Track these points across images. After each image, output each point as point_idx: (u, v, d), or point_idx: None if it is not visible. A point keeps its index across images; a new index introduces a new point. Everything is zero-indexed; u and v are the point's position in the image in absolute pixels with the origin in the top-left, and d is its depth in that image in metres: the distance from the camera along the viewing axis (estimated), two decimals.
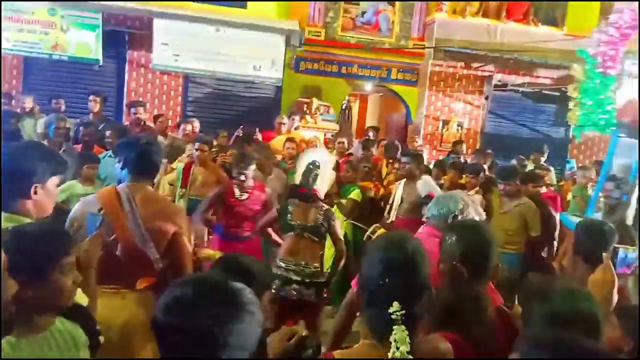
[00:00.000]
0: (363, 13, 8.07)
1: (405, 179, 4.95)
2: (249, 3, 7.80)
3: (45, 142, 5.22)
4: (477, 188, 5.34)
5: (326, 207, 3.56)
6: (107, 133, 5.15)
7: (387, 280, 1.29)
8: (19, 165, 1.76)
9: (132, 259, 2.22)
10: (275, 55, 7.44)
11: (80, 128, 5.53)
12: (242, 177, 3.85)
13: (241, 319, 1.01)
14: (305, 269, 3.37)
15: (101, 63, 7.39)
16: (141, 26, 7.58)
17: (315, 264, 3.40)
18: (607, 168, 3.48)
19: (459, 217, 2.24)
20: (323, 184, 3.67)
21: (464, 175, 5.34)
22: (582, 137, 5.85)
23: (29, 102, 6.46)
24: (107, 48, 7.37)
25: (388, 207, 5.03)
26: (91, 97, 6.13)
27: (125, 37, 7.72)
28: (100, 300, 1.93)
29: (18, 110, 6.13)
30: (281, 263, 3.43)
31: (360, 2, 8.00)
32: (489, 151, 6.71)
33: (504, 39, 8.01)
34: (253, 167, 3.94)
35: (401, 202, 4.92)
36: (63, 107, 6.48)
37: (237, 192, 3.90)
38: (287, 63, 7.81)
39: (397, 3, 8.07)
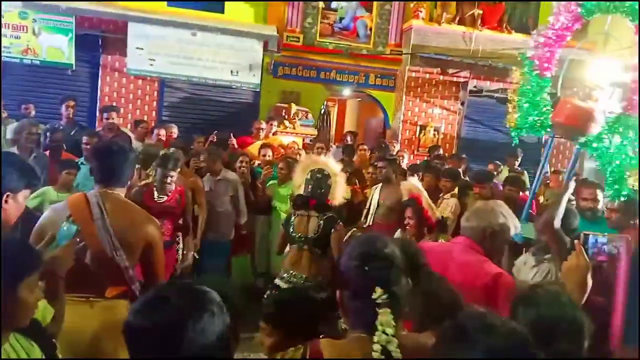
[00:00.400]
0: (341, 19, 8.12)
1: (381, 184, 4.98)
2: (226, 7, 7.76)
3: (15, 148, 5.09)
4: (454, 192, 5.42)
5: (328, 215, 3.43)
6: (84, 139, 5.04)
7: (365, 269, 1.34)
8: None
9: (102, 266, 2.19)
10: (253, 60, 7.40)
11: (47, 134, 5.39)
12: (168, 180, 3.79)
13: (202, 317, 1.08)
14: (305, 281, 3.27)
15: (74, 67, 7.23)
16: (115, 30, 7.44)
17: (317, 277, 3.27)
18: (571, 171, 3.51)
19: (497, 230, 2.25)
20: (340, 194, 3.60)
21: (441, 179, 5.42)
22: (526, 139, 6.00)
23: None
24: (80, 52, 7.21)
25: (365, 211, 5.06)
26: (67, 103, 6.01)
27: (99, 41, 7.58)
28: (69, 308, 1.88)
29: None
30: (283, 274, 3.38)
31: (339, 9, 8.05)
32: (464, 156, 6.81)
33: (479, 46, 8.16)
34: (178, 169, 3.93)
35: (378, 206, 4.96)
36: (33, 113, 6.31)
37: (155, 194, 3.86)
38: (265, 68, 7.79)
39: (374, 10, 8.15)
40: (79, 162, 4.77)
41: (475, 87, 8.37)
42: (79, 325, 2.11)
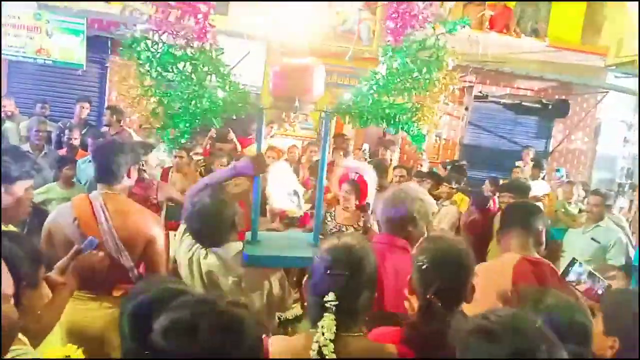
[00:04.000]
0: (344, 22, 8.11)
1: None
2: (229, 10, 7.86)
3: (27, 145, 5.36)
4: (452, 199, 5.38)
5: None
6: (89, 140, 5.28)
7: (329, 271, 1.41)
8: None
9: (107, 267, 2.26)
10: (256, 62, 7.49)
11: (66, 131, 5.64)
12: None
13: (239, 347, 1.02)
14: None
15: (85, 68, 7.50)
16: (124, 31, 7.67)
17: None
18: None
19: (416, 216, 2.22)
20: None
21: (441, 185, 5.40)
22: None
23: (9, 106, 6.60)
24: (90, 53, 7.45)
25: None
26: (82, 104, 6.31)
27: (108, 42, 7.82)
28: (76, 304, 1.99)
29: (2, 114, 6.26)
30: None
31: (342, 12, 8.03)
32: (463, 162, 6.72)
33: (486, 50, 8.01)
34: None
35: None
36: (48, 112, 6.62)
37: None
38: (267, 71, 7.86)
39: (378, 12, 8.09)
40: (87, 161, 4.99)
41: (480, 92, 8.22)
42: (88, 320, 2.26)
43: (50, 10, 7.21)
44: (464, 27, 2.20)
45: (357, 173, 3.94)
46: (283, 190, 4.57)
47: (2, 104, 6.55)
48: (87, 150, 5.33)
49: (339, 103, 2.28)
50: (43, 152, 5.28)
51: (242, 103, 2.22)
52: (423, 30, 2.23)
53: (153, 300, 1.35)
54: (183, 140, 2.25)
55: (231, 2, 7.78)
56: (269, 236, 2.42)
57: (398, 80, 2.20)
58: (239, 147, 6.30)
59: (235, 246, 2.14)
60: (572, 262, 2.47)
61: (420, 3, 2.29)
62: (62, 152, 5.71)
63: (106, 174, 2.43)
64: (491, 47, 7.91)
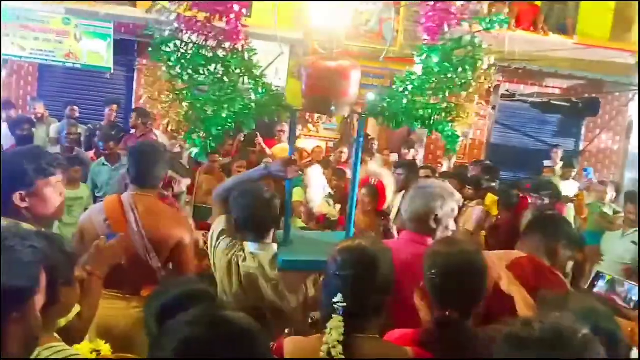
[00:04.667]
0: (367, 22, 8.07)
1: (404, 191, 4.97)
2: (253, 11, 7.90)
3: (57, 148, 5.46)
4: (479, 199, 5.28)
5: None
6: (100, 144, 5.33)
7: (339, 273, 1.43)
8: (5, 174, 1.78)
9: (136, 267, 2.34)
10: (279, 64, 7.51)
11: (97, 133, 5.69)
12: None
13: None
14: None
15: (112, 71, 7.62)
16: (150, 35, 7.75)
17: None
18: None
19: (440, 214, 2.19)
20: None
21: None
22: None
23: (39, 108, 6.75)
24: (117, 56, 7.58)
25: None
26: (111, 107, 6.42)
27: (135, 45, 7.94)
28: (105, 304, 2.02)
29: (32, 117, 6.39)
30: None
31: (365, 11, 7.99)
32: (488, 162, 6.60)
33: (513, 48, 7.86)
34: None
35: (398, 212, 4.95)
36: (77, 114, 6.76)
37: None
38: (291, 71, 7.87)
39: (401, 12, 8.03)
40: (101, 163, 5.05)
41: (507, 90, 8.09)
42: (116, 319, 2.29)
43: (78, 14, 7.35)
44: (501, 25, 2.14)
45: (376, 178, 3.93)
46: (322, 193, 4.54)
47: (31, 107, 6.72)
48: (99, 153, 5.40)
49: (373, 105, 2.23)
50: (73, 154, 5.37)
51: (275, 105, 2.18)
52: (459, 28, 2.18)
53: (176, 301, 1.37)
54: (214, 145, 2.22)
55: (255, 3, 7.84)
56: (301, 237, 2.41)
57: (433, 80, 2.15)
58: (268, 150, 6.31)
59: (272, 249, 2.15)
60: (597, 275, 2.39)
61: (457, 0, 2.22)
62: (91, 154, 5.82)
63: (142, 177, 2.45)
64: (518, 45, 7.76)
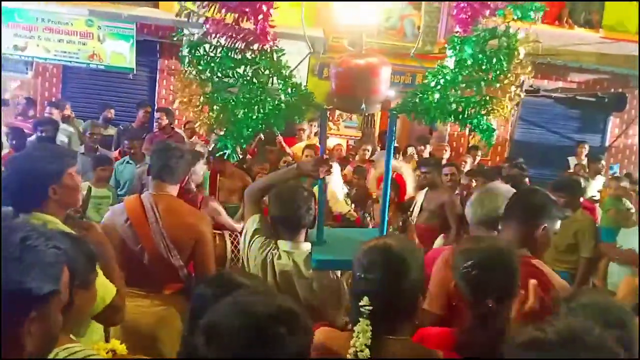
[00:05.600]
0: (388, 18, 8.01)
1: (427, 188, 4.94)
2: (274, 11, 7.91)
3: (82, 147, 5.54)
4: None
5: None
6: (125, 143, 5.37)
7: (363, 275, 1.40)
8: (32, 171, 1.85)
9: (158, 266, 2.37)
10: (298, 62, 7.50)
11: (125, 141, 5.68)
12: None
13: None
14: None
15: (135, 72, 7.71)
16: (174, 38, 7.82)
17: None
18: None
19: None
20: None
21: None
22: None
23: (66, 109, 6.85)
24: (139, 57, 7.66)
25: (408, 214, 5.06)
26: (145, 108, 6.51)
27: (157, 46, 8.02)
28: (129, 301, 2.04)
29: (56, 118, 6.48)
30: None
31: (385, 8, 7.94)
32: (520, 160, 6.50)
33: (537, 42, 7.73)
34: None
35: (421, 209, 4.93)
36: (112, 117, 6.88)
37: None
38: (311, 70, 7.87)
39: (422, 8, 7.96)
40: (125, 161, 5.10)
41: (531, 86, 7.95)
42: (139, 317, 2.31)
43: (101, 16, 7.44)
44: (537, 14, 2.07)
45: (395, 172, 3.92)
46: (341, 192, 4.57)
47: (60, 108, 6.81)
48: (124, 152, 5.45)
49: (405, 101, 2.18)
50: (97, 153, 5.42)
51: (305, 105, 2.16)
52: (493, 19, 2.13)
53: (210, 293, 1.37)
54: (245, 146, 2.23)
55: (274, 2, 7.85)
56: (334, 236, 2.38)
57: (466, 72, 2.09)
58: (288, 149, 6.31)
59: (306, 247, 2.15)
60: None
61: None
62: (115, 153, 5.88)
63: (164, 175, 2.47)
64: (542, 40, 7.61)
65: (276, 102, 2.09)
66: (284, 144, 6.48)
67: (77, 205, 1.98)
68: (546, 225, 2.00)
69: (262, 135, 6.46)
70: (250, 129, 2.11)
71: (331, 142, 7.37)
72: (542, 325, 1.03)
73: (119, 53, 7.63)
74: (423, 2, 7.77)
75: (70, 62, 7.61)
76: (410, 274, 1.40)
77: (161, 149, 2.55)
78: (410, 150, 6.72)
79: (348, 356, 1.34)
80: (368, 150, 6.35)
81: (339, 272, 2.21)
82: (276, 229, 2.19)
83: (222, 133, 2.15)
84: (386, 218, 2.26)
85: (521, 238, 1.98)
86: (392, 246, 1.43)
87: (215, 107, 2.10)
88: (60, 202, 1.87)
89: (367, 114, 9.13)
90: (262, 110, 2.09)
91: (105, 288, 1.71)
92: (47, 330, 0.99)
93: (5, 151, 5.03)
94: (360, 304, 1.36)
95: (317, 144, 6.68)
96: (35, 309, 0.95)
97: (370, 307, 1.35)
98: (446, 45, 2.12)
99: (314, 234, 2.25)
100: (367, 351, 1.33)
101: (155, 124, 6.39)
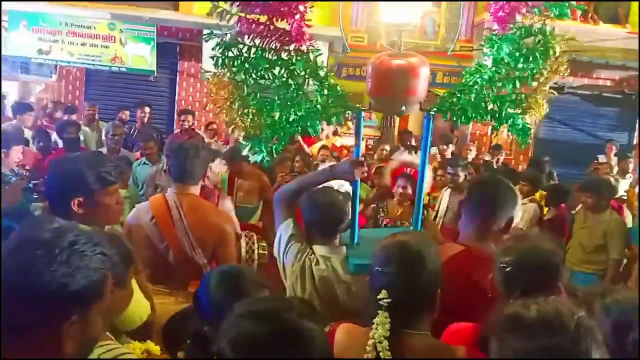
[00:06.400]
0: None
1: (451, 190, 4.87)
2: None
3: (104, 149, 5.59)
4: (534, 196, 5.13)
5: None
6: (150, 143, 5.39)
7: (381, 269, 1.42)
8: (63, 179, 1.79)
9: (183, 264, 2.37)
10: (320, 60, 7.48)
11: (140, 143, 5.71)
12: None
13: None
14: None
15: (156, 74, 7.79)
16: (191, 38, 7.90)
17: None
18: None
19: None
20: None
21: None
22: None
23: (92, 110, 6.92)
24: (160, 59, 7.75)
25: (434, 213, 4.98)
26: (142, 108, 6.50)
27: (177, 48, 8.09)
28: (154, 299, 2.05)
29: (80, 121, 6.57)
30: None
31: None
32: (546, 159, 6.38)
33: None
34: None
35: (447, 209, 4.86)
36: (127, 118, 6.90)
37: None
38: (330, 69, 7.83)
39: (443, 5, 7.88)
40: (142, 162, 5.13)
41: (556, 83, 7.77)
42: (164, 314, 2.29)
43: (123, 19, 7.54)
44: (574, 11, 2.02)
45: (412, 168, 3.87)
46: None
47: (86, 109, 6.89)
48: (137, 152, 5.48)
49: (442, 100, 2.13)
50: (119, 155, 5.46)
51: (341, 106, 2.11)
52: (529, 16, 2.07)
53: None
54: (280, 150, 2.16)
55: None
56: (367, 237, 2.33)
57: (504, 71, 2.06)
58: (306, 148, 6.29)
59: (341, 251, 2.12)
60: None
61: None
62: (137, 154, 5.91)
63: (183, 175, 2.47)
64: (567, 36, 7.47)
65: (312, 104, 2.05)
66: (302, 144, 6.46)
67: (110, 224, 1.94)
68: (504, 218, 1.93)
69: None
70: (284, 132, 2.07)
71: (348, 141, 7.32)
72: (530, 302, 1.06)
73: (140, 56, 7.72)
74: (443, 2, 7.70)
75: (93, 65, 7.73)
76: (426, 268, 1.42)
77: (176, 150, 2.56)
78: (433, 150, 6.62)
79: (367, 348, 1.35)
80: (386, 150, 6.28)
81: None
82: (310, 233, 2.15)
83: (252, 137, 2.10)
84: (421, 214, 2.21)
85: (480, 230, 1.93)
86: (408, 241, 1.46)
87: (251, 109, 2.06)
88: (89, 218, 1.76)
89: (386, 114, 9.07)
90: (298, 112, 2.04)
91: (141, 306, 1.72)
92: (86, 334, 0.99)
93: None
94: (379, 296, 1.38)
95: (334, 144, 6.66)
96: (77, 312, 0.95)
97: (389, 300, 1.36)
98: (482, 44, 2.08)
99: (347, 236, 2.21)
100: (385, 342, 1.34)
101: (179, 125, 6.42)
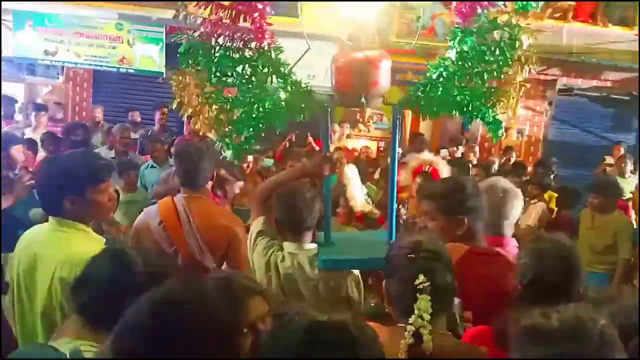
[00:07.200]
0: (418, 18, 7.93)
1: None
2: (301, 11, 7.87)
3: (112, 152, 5.54)
4: (543, 197, 5.19)
5: None
6: (148, 145, 5.35)
7: (412, 256, 1.43)
8: (55, 177, 1.83)
9: (192, 268, 2.34)
10: (329, 63, 7.45)
11: (148, 144, 5.69)
12: None
13: None
14: None
15: (164, 75, 7.69)
16: (200, 38, 7.82)
17: None
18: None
19: None
20: None
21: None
22: None
23: (99, 113, 6.86)
24: (168, 60, 7.65)
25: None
26: (160, 110, 6.46)
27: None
28: None
29: (87, 123, 6.51)
30: None
31: (416, 7, 7.86)
32: (554, 160, 6.43)
33: (571, 41, 7.61)
34: None
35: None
36: (138, 119, 6.83)
37: None
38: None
39: (453, 5, 7.86)
40: (149, 165, 5.09)
41: (565, 85, 7.83)
42: None
43: (131, 19, 7.44)
44: (538, 2, 2.03)
45: (430, 166, 3.93)
46: (362, 192, 4.59)
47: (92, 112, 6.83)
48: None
49: (408, 95, 2.15)
50: (128, 157, 5.41)
51: (306, 103, 2.12)
52: (495, 9, 2.06)
53: None
54: (248, 147, 2.17)
55: (302, 3, 7.81)
56: (342, 237, 2.38)
57: (469, 64, 2.05)
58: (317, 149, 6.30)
59: (312, 249, 2.13)
60: None
61: None
62: (147, 158, 5.86)
63: (188, 179, 2.46)
64: (576, 38, 7.50)
65: (276, 101, 2.07)
66: (314, 145, 6.46)
67: (107, 218, 1.98)
68: (466, 218, 1.96)
69: (293, 137, 6.46)
70: (250, 129, 2.09)
71: (360, 144, 7.33)
72: (550, 311, 1.05)
73: (149, 57, 7.63)
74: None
75: (101, 66, 7.62)
76: (440, 271, 1.44)
77: (181, 154, 2.55)
78: (443, 152, 6.64)
79: (406, 334, 1.35)
80: (399, 152, 6.27)
81: (357, 272, 2.19)
82: (281, 230, 2.18)
83: (220, 134, 2.13)
84: (394, 214, 2.20)
85: (444, 229, 1.96)
86: (423, 242, 1.48)
87: (214, 106, 2.09)
88: (80, 214, 1.82)
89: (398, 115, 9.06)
90: (261, 109, 2.06)
91: None
92: None
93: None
94: (416, 282, 1.37)
95: (345, 146, 6.66)
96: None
97: (428, 283, 1.36)
98: (447, 38, 2.09)
99: (321, 235, 2.23)
100: (429, 327, 1.33)
101: (188, 127, 6.38)
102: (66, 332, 1.39)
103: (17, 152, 4.09)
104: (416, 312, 1.36)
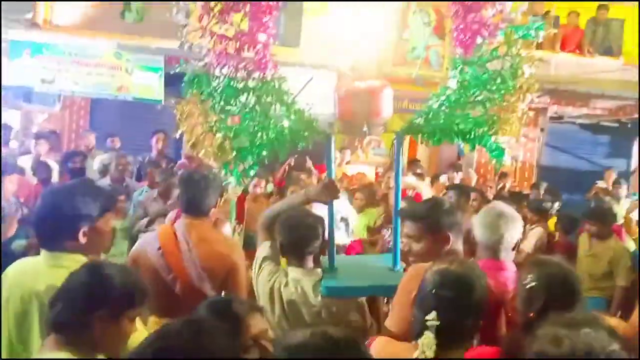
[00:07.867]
0: (413, 49, 8.14)
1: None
2: (301, 41, 8.02)
3: (106, 179, 5.47)
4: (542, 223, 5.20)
5: None
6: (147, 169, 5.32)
7: (434, 291, 1.44)
8: (66, 208, 1.75)
9: (191, 295, 2.29)
10: (328, 91, 7.56)
11: (149, 170, 5.65)
12: None
13: None
14: None
15: (163, 103, 7.71)
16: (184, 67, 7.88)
17: None
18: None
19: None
20: None
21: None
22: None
23: (91, 139, 6.80)
24: (167, 88, 7.67)
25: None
26: (157, 136, 6.42)
27: (184, 77, 8.04)
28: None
29: (83, 149, 6.45)
30: None
31: (410, 38, 8.07)
32: (545, 184, 6.54)
33: (559, 71, 7.88)
34: None
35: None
36: (118, 145, 6.78)
37: None
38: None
39: (447, 38, 8.11)
40: (143, 190, 5.04)
41: (555, 113, 8.07)
42: None
43: (130, 49, 7.48)
44: (537, 32, 2.09)
45: (414, 190, 3.97)
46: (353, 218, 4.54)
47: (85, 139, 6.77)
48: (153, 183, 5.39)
49: (411, 123, 2.20)
50: (124, 185, 5.34)
51: (309, 131, 2.17)
52: (495, 39, 2.14)
53: None
54: (252, 173, 2.23)
55: (302, 33, 7.96)
56: (346, 261, 2.39)
57: (470, 93, 2.11)
58: (316, 174, 6.32)
59: (315, 274, 2.13)
60: None
61: (489, 10, 2.18)
62: (144, 184, 5.80)
63: (192, 207, 2.42)
64: (563, 68, 7.78)
65: (279, 129, 2.11)
66: (314, 170, 6.48)
67: (106, 249, 1.96)
68: (451, 234, 1.97)
69: (292, 161, 6.48)
70: (255, 157, 2.13)
71: (357, 169, 7.38)
72: (560, 338, 1.04)
73: (147, 85, 7.65)
74: (447, 33, 7.92)
75: (100, 95, 7.62)
76: (475, 298, 1.46)
77: (186, 180, 2.50)
78: (442, 178, 6.73)
79: None
80: (392, 178, 6.32)
81: (364, 299, 2.18)
82: (285, 256, 2.20)
83: (224, 162, 2.17)
84: (398, 240, 2.21)
85: (430, 249, 1.95)
86: (464, 270, 1.50)
87: (218, 135, 2.12)
88: (89, 246, 1.77)
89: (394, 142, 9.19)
90: (265, 137, 2.11)
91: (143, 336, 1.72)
92: None
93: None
94: (427, 317, 1.39)
95: (344, 172, 6.71)
96: None
97: (437, 323, 1.38)
98: (447, 67, 2.16)
99: (325, 260, 2.25)
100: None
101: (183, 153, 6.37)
102: (44, 351, 1.39)
103: (10, 181, 4.01)
104: (419, 347, 1.38)
